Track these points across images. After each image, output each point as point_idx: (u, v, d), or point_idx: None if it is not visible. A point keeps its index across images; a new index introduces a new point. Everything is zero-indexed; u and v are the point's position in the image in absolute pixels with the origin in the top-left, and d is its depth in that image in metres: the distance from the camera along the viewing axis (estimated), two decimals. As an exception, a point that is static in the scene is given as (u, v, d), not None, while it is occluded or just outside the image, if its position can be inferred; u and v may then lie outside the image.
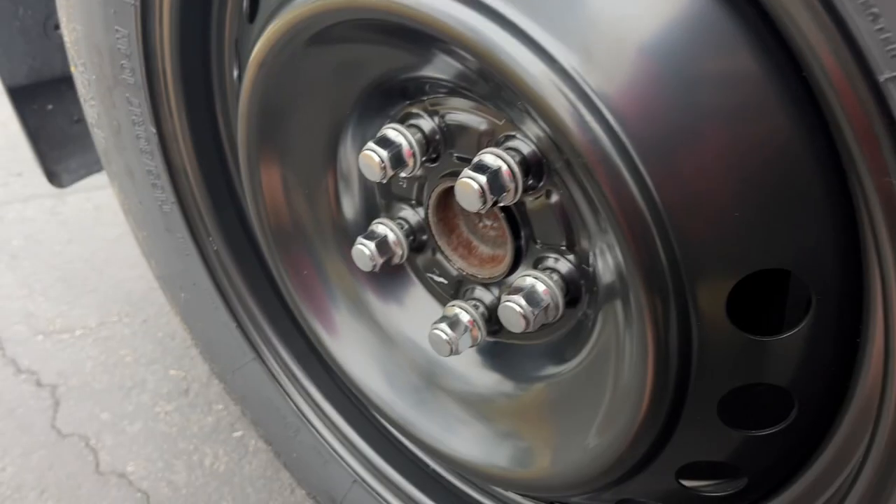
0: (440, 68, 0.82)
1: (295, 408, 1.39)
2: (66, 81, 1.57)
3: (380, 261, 0.99)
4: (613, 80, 0.65)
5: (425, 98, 0.89)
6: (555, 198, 0.83)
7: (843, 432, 0.77)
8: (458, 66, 0.80)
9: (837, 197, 0.64)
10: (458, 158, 0.90)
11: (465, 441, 1.02)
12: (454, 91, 0.86)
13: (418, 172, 0.92)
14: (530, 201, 0.86)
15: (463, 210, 0.96)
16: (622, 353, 0.81)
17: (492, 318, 0.97)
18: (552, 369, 0.95)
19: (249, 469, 1.73)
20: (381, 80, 0.89)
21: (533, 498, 1.15)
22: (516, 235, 0.89)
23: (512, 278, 0.92)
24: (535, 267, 0.90)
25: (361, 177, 1.00)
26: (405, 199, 1.01)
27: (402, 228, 1.00)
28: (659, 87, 0.64)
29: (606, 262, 0.80)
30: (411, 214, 1.01)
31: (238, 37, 1.09)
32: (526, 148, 0.78)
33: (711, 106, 0.64)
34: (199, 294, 1.39)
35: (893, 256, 0.61)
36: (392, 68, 0.87)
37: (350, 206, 1.06)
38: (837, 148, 0.62)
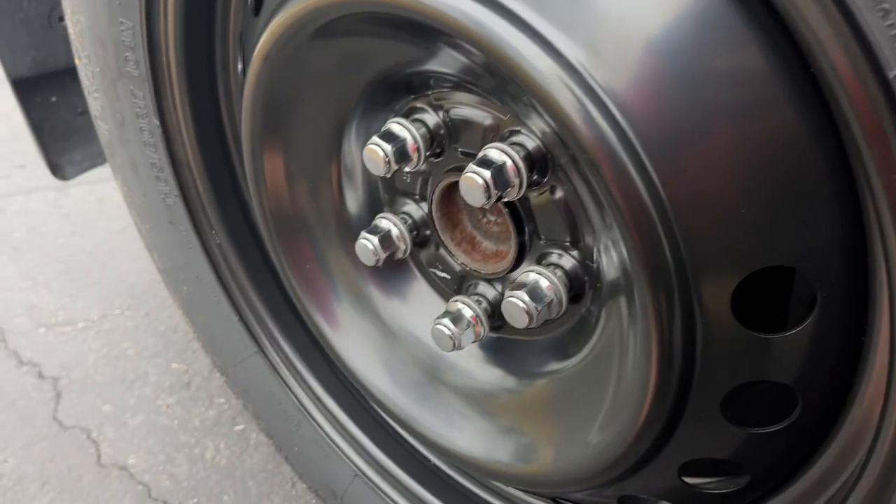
0: (445, 62, 0.82)
1: (297, 402, 1.39)
2: (70, 73, 1.56)
3: (383, 255, 0.99)
4: (620, 75, 0.64)
5: (430, 92, 0.89)
6: (559, 193, 0.83)
7: (847, 430, 0.77)
8: (463, 60, 0.79)
9: (844, 194, 0.64)
10: (463, 153, 0.89)
11: (468, 436, 1.02)
12: (459, 85, 0.85)
13: (422, 167, 0.92)
14: (535, 197, 0.85)
15: (467, 205, 0.95)
16: (626, 349, 0.81)
17: (495, 314, 0.97)
18: (555, 365, 0.95)
19: (251, 463, 1.74)
20: (386, 73, 0.89)
21: (535, 494, 1.15)
22: (520, 231, 0.89)
23: (515, 274, 0.92)
24: (538, 263, 0.89)
25: (365, 171, 0.99)
26: (409, 194, 1.01)
27: (405, 223, 1.00)
28: (666, 82, 0.64)
29: (611, 259, 0.80)
30: (415, 209, 1.01)
31: (243, 30, 1.08)
32: (531, 143, 0.78)
33: (718, 102, 0.64)
34: (201, 287, 1.39)
35: (901, 254, 0.61)
36: (397, 62, 0.87)
37: (354, 201, 1.06)
38: (845, 145, 0.61)
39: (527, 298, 0.85)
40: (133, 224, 1.47)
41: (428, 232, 1.01)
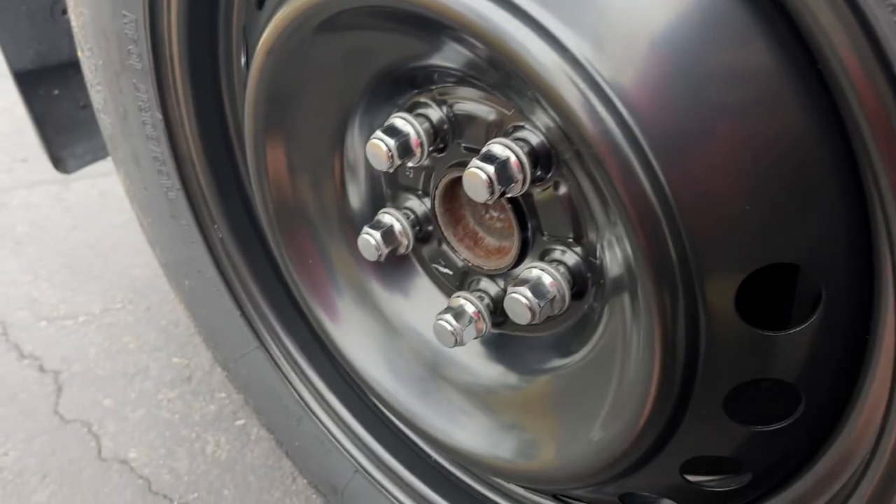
0: (449, 57, 0.82)
1: (298, 397, 1.39)
2: (73, 66, 1.57)
3: (385, 251, 0.99)
4: (626, 70, 0.64)
5: (434, 87, 0.89)
6: (563, 189, 0.83)
7: (850, 428, 0.76)
8: (467, 54, 0.79)
9: (850, 192, 0.64)
10: (466, 149, 0.89)
11: (469, 432, 1.02)
12: (463, 80, 0.85)
13: (425, 162, 0.92)
14: (538, 192, 0.85)
15: (470, 201, 0.95)
16: (629, 346, 0.80)
17: (497, 310, 0.97)
18: (557, 362, 0.95)
19: (251, 457, 1.74)
20: (390, 68, 0.89)
21: (536, 490, 1.15)
22: (523, 227, 0.89)
23: (518, 270, 0.92)
24: (541, 259, 0.89)
25: (368, 166, 0.99)
26: (412, 189, 1.00)
27: (408, 218, 1.00)
28: (671, 77, 0.64)
29: (614, 255, 0.80)
30: (418, 204, 1.00)
31: (246, 23, 1.08)
32: (535, 138, 0.78)
33: (724, 98, 0.63)
34: (203, 282, 1.39)
35: (907, 252, 0.60)
36: (401, 56, 0.87)
37: (356, 196, 1.06)
38: (852, 143, 0.61)
39: (529, 295, 0.85)
40: (135, 218, 1.47)
41: (430, 227, 1.01)
